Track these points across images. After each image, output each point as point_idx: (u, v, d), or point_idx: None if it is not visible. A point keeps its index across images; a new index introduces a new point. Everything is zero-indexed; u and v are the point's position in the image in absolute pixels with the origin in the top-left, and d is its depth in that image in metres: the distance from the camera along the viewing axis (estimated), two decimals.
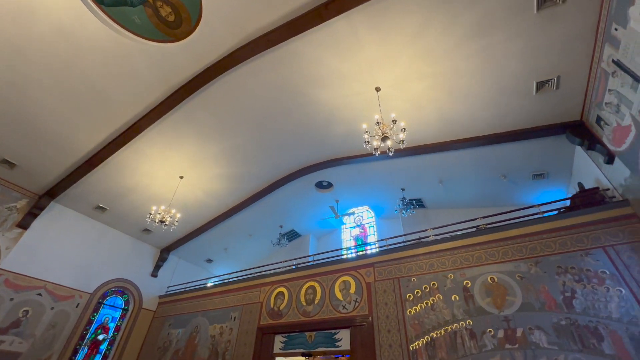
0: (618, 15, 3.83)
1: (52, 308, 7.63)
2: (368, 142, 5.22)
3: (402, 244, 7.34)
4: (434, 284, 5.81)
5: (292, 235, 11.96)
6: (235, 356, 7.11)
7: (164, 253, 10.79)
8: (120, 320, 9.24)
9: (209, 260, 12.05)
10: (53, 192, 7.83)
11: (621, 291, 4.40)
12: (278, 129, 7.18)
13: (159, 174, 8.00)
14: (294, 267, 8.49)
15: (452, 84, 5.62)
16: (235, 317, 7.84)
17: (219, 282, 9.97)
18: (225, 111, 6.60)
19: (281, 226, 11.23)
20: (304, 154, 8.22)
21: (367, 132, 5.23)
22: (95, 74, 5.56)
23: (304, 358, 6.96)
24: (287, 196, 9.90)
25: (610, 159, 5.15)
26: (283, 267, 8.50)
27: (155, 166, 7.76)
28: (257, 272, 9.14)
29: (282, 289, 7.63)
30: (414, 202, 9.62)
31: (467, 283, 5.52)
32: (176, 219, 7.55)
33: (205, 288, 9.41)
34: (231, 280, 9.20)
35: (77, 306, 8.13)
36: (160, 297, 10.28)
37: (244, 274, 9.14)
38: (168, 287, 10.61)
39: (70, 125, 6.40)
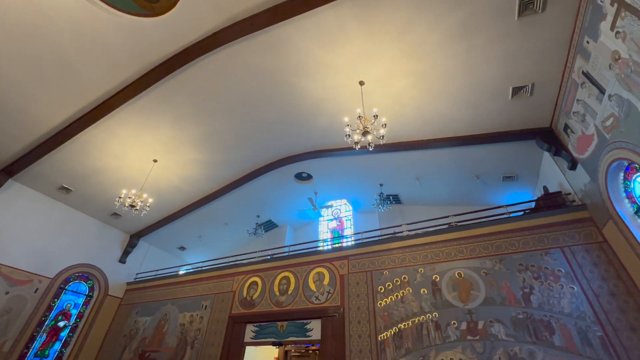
0: (590, 28, 4.02)
1: (7, 293, 7.17)
2: (349, 135, 5.23)
3: (377, 238, 7.49)
4: (404, 278, 5.99)
5: (269, 226, 11.89)
6: (205, 345, 7.04)
7: (134, 239, 10.39)
8: (84, 306, 8.86)
9: (182, 248, 11.76)
10: (11, 170, 7.28)
11: (573, 288, 4.74)
12: (259, 117, 7.03)
13: (131, 156, 7.63)
14: (269, 257, 8.45)
15: (434, 84, 5.72)
16: (206, 306, 7.73)
17: (191, 270, 9.76)
18: (204, 94, 6.36)
19: (258, 216, 11.11)
20: (284, 144, 8.11)
21: (348, 125, 5.23)
22: (63, 45, 5.15)
23: (275, 347, 7.02)
24: (265, 186, 9.78)
25: (573, 165, 5.48)
26: (258, 257, 8.44)
27: (127, 148, 7.38)
28: (231, 261, 9.04)
29: (256, 278, 7.60)
30: (391, 197, 9.81)
31: (436, 277, 5.73)
32: (148, 204, 7.26)
33: (177, 276, 9.20)
34: (204, 268, 9.03)
35: (35, 291, 7.69)
36: (128, 284, 9.93)
37: (217, 263, 9.00)
38: (137, 274, 10.26)
39: (34, 98, 5.93)
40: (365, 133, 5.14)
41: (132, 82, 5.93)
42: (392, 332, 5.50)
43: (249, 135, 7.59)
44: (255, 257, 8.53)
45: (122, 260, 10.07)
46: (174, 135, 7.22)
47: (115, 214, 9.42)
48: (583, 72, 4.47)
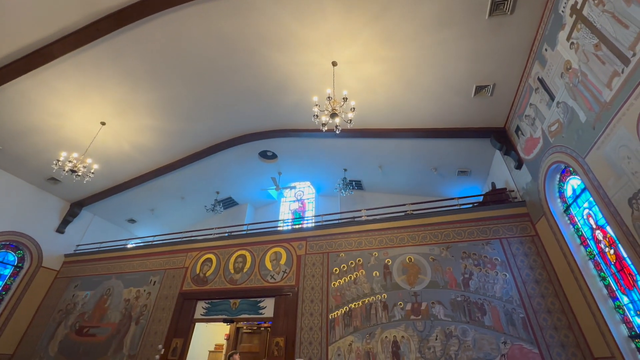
0: (550, 36, 4.26)
1: None
2: (317, 116, 5.12)
3: (336, 221, 7.63)
4: (359, 260, 6.20)
5: (229, 203, 11.54)
6: (151, 321, 6.77)
7: (75, 207, 9.49)
8: (12, 278, 8.00)
9: (132, 221, 11.01)
10: None
11: (506, 275, 5.25)
12: (224, 88, 6.60)
13: (74, 116, 6.81)
14: (226, 234, 8.24)
15: (404, 73, 5.76)
16: (155, 282, 7.39)
17: (141, 244, 9.22)
18: (163, 56, 5.79)
19: (218, 192, 10.70)
20: (250, 120, 7.77)
21: (317, 105, 5.11)
22: None
23: (226, 324, 6.97)
24: (227, 162, 9.39)
25: (519, 165, 5.94)
26: (214, 234, 8.19)
27: (70, 106, 6.56)
28: (185, 237, 8.67)
29: (211, 255, 7.39)
30: (354, 183, 9.98)
31: (388, 261, 6.01)
32: (92, 170, 6.59)
33: (125, 249, 8.64)
34: (155, 243, 8.57)
35: None
36: (66, 255, 9.13)
37: (170, 238, 8.58)
38: (77, 245, 9.45)
39: None
40: (333, 115, 5.06)
41: (77, 29, 5.19)
42: (343, 311, 5.72)
43: (212, 106, 7.13)
44: (211, 234, 8.26)
45: (60, 230, 9.18)
46: (125, 97, 6.54)
47: (53, 179, 8.47)
48: (538, 78, 4.77)
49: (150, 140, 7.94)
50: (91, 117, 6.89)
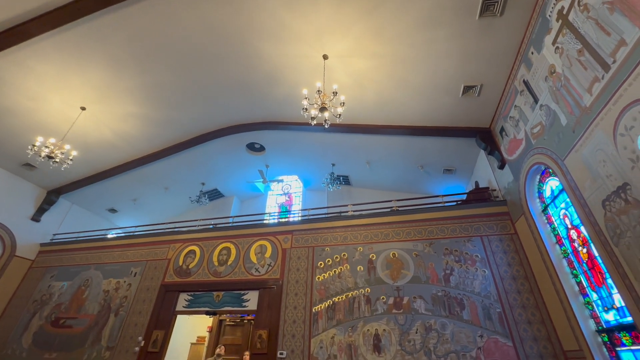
0: (537, 40, 4.36)
1: None
2: (306, 109, 5.08)
3: (323, 216, 7.65)
4: (344, 255, 6.25)
5: (215, 195, 11.36)
6: (131, 312, 6.64)
7: (52, 195, 9.13)
8: None
9: (113, 210, 10.70)
10: None
11: (485, 272, 5.42)
12: (212, 77, 6.44)
13: (52, 100, 6.51)
14: (211, 226, 8.13)
15: (395, 70, 5.77)
16: (136, 273, 7.23)
17: (122, 235, 8.98)
18: (149, 41, 5.58)
19: (203, 183, 10.51)
20: (238, 111, 7.63)
21: (306, 98, 5.07)
22: None
23: (208, 316, 6.92)
24: (214, 153, 9.21)
25: (502, 165, 6.10)
26: (199, 226, 8.07)
27: (48, 89, 6.26)
28: (169, 228, 8.51)
29: (195, 247, 7.28)
30: (342, 178, 10.02)
31: (372, 256, 6.09)
32: (70, 157, 6.34)
33: (105, 239, 8.39)
34: (137, 233, 8.37)
35: None
36: (42, 245, 8.80)
37: (153, 229, 8.40)
38: (54, 234, 9.12)
39: None
40: (322, 109, 5.04)
41: (56, 7, 4.93)
42: (327, 305, 5.77)
43: (199, 95, 6.95)
44: (196, 226, 8.14)
45: (36, 218, 8.82)
46: (108, 81, 6.29)
47: (29, 165, 8.10)
48: (524, 81, 4.88)
49: (134, 128, 7.69)
50: (70, 101, 6.60)
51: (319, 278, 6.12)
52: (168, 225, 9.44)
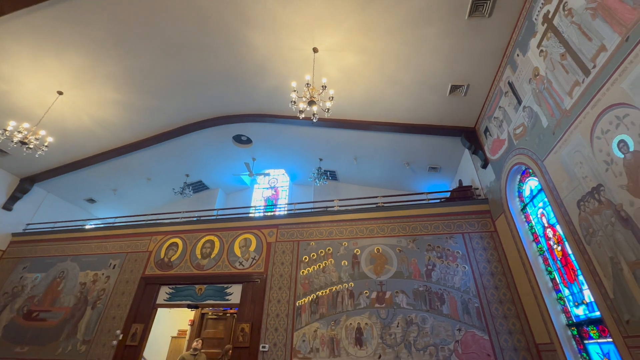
0: (523, 42, 4.45)
1: None
2: (294, 102, 5.02)
3: (309, 210, 7.64)
4: (329, 250, 6.28)
5: (199, 187, 11.15)
6: (109, 305, 6.46)
7: (26, 183, 8.71)
8: None
9: (91, 200, 10.32)
10: None
11: (465, 268, 5.57)
12: (198, 65, 6.26)
13: (26, 82, 6.17)
14: (195, 219, 7.98)
15: (384, 67, 5.78)
16: (115, 265, 7.03)
17: (101, 226, 8.70)
18: (133, 24, 5.35)
19: (187, 175, 10.28)
20: (225, 102, 7.47)
21: (295, 91, 5.01)
22: None
23: (190, 310, 6.83)
24: (199, 144, 9.01)
25: (485, 164, 6.25)
26: (182, 218, 7.90)
27: (21, 70, 5.93)
28: (151, 220, 8.30)
29: (177, 240, 7.14)
30: (329, 173, 10.01)
31: (357, 251, 6.14)
32: (45, 143, 6.05)
33: (82, 230, 8.10)
34: (117, 224, 8.12)
35: None
36: (14, 235, 8.40)
37: (134, 220, 8.16)
38: (27, 224, 8.73)
39: None
40: (311, 102, 4.99)
41: None
42: (310, 299, 5.80)
43: (184, 84, 6.75)
44: (179, 218, 7.97)
45: (8, 207, 8.41)
46: (88, 65, 6.01)
47: (0, 151, 7.68)
48: (509, 82, 4.99)
49: (115, 115, 7.40)
50: (47, 85, 6.28)
51: (303, 272, 6.13)
52: (150, 217, 9.20)
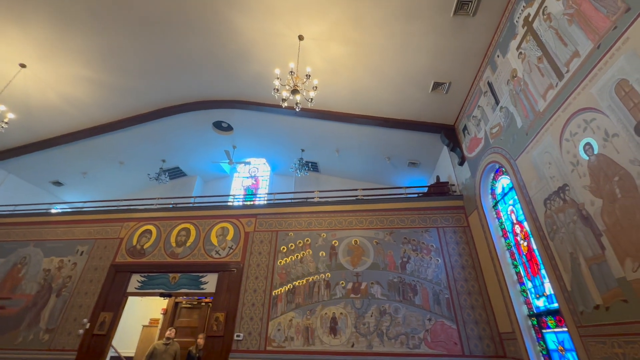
0: (503, 44, 4.56)
1: None
2: (277, 90, 4.92)
3: (289, 201, 7.60)
4: (307, 240, 6.29)
5: (176, 173, 10.79)
6: (76, 293, 6.19)
7: None
8: None
9: (58, 183, 9.75)
10: None
11: (438, 260, 5.77)
12: (178, 46, 5.97)
13: None
14: (170, 206, 7.74)
15: (370, 59, 5.76)
16: (82, 252, 6.71)
17: (68, 210, 8.26)
18: None
19: (164, 160, 9.91)
20: (206, 85, 7.21)
21: (278, 78, 4.90)
22: None
23: (163, 298, 6.67)
24: (177, 128, 8.68)
25: (462, 161, 6.44)
26: (157, 205, 7.64)
27: None
28: (123, 206, 7.96)
29: (151, 227, 6.90)
30: (310, 164, 9.98)
31: (335, 243, 6.20)
32: (5, 120, 5.61)
33: (47, 214, 7.65)
34: (86, 209, 7.73)
35: None
36: None
37: (105, 205, 7.79)
38: None
39: None
40: (294, 91, 4.91)
41: None
42: (287, 289, 5.81)
43: (163, 64, 6.44)
44: (153, 204, 7.70)
45: None
46: (55, 37, 5.58)
47: None
48: (488, 82, 5.12)
49: (85, 93, 6.97)
50: (7, 56, 5.79)
51: (280, 262, 6.13)
52: (122, 203, 8.83)
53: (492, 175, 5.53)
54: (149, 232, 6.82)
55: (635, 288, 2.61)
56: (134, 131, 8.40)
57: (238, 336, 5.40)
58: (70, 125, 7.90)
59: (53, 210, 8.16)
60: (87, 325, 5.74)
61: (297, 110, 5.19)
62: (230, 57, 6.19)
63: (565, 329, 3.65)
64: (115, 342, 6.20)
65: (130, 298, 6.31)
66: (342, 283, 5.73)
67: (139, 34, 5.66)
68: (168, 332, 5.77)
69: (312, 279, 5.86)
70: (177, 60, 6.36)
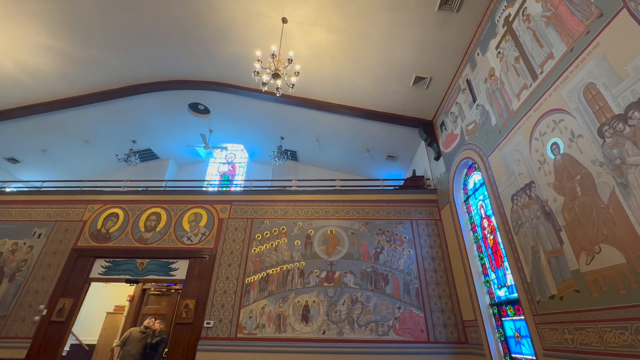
0: (484, 42, 4.65)
1: None
2: (258, 72, 4.75)
3: (266, 188, 7.49)
4: (283, 229, 6.24)
5: (147, 155, 10.27)
6: (32, 278, 5.79)
7: None
8: None
9: (13, 160, 8.98)
10: None
11: (410, 251, 5.93)
12: (153, 18, 5.58)
13: None
14: (140, 189, 7.37)
15: (355, 49, 5.69)
16: (40, 234, 6.26)
17: (24, 189, 7.66)
18: None
19: (134, 141, 9.39)
20: (182, 64, 6.83)
21: (259, 61, 4.73)
22: None
23: (129, 285, 6.41)
24: (149, 108, 8.21)
25: (438, 156, 6.60)
26: (125, 187, 7.24)
27: None
28: (87, 187, 7.49)
29: (118, 210, 6.55)
30: (289, 153, 9.86)
31: (311, 232, 6.20)
32: None
33: (0, 193, 7.03)
34: (44, 189, 7.20)
35: None
36: None
37: (66, 186, 7.28)
38: None
39: None
40: (275, 75, 4.76)
41: None
42: (260, 277, 5.76)
43: (135, 37, 6.01)
44: (121, 187, 7.30)
45: None
46: None
47: None
48: (467, 80, 5.23)
49: (46, 63, 6.38)
50: None
51: (255, 250, 6.05)
52: (86, 184, 8.30)
53: (465, 171, 5.72)
54: (116, 215, 6.48)
55: (587, 280, 2.80)
56: (101, 108, 7.85)
57: (208, 323, 5.31)
58: (28, 97, 7.24)
59: (7, 189, 7.53)
60: (44, 312, 5.41)
61: (278, 95, 5.05)
62: (209, 35, 5.88)
63: (523, 317, 3.89)
64: (76, 329, 5.92)
65: (93, 284, 6.02)
66: (316, 272, 5.76)
67: (109, 1, 5.21)
68: (147, 321, 5.67)
69: (287, 267, 5.85)
70: (152, 35, 5.95)
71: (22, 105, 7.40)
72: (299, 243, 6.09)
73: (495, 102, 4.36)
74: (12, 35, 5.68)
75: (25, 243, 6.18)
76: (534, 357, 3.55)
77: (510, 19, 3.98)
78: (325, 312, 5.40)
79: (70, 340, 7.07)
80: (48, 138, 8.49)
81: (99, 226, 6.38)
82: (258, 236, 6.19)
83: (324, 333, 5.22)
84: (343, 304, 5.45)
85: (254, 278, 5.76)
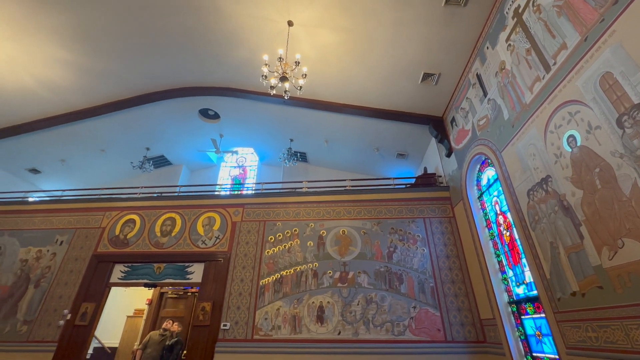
0: (493, 35, 4.56)
1: None
2: (266, 76, 4.79)
3: (277, 191, 7.54)
4: (295, 230, 6.28)
5: (161, 162, 10.50)
6: (55, 284, 6.00)
7: None
8: None
9: (35, 171, 9.34)
10: None
11: (424, 250, 5.87)
12: (163, 28, 5.71)
13: None
14: (155, 195, 7.55)
15: (361, 49, 5.67)
16: (62, 241, 6.49)
17: (46, 199, 7.95)
18: None
19: (148, 149, 9.61)
20: (191, 71, 6.96)
21: (267, 65, 4.77)
22: None
23: (147, 289, 6.57)
24: (162, 115, 8.40)
25: (449, 153, 6.50)
26: (140, 194, 7.43)
27: None
28: (105, 194, 7.71)
29: (134, 216, 6.72)
30: (299, 154, 9.90)
31: (323, 233, 6.21)
32: None
33: (24, 203, 7.33)
34: (65, 198, 7.45)
35: None
36: None
37: (85, 194, 7.53)
38: None
39: None
40: (283, 78, 4.80)
41: None
42: (274, 278, 5.81)
43: (146, 47, 6.16)
44: (137, 193, 7.48)
45: None
46: (28, 13, 5.23)
47: None
48: (477, 74, 5.14)
49: (62, 76, 6.62)
50: None
51: (268, 252, 6.10)
52: (104, 191, 8.55)
53: (478, 166, 5.62)
54: (133, 221, 6.65)
55: (611, 275, 2.71)
56: (115, 118, 8.07)
57: (225, 325, 5.39)
58: (47, 110, 7.52)
59: (30, 199, 7.84)
60: (68, 316, 5.60)
61: (286, 98, 5.09)
62: (217, 41, 5.98)
63: (543, 315, 3.79)
64: (98, 332, 6.10)
65: (113, 289, 6.18)
66: (330, 272, 5.77)
67: (120, 13, 5.37)
68: (165, 323, 5.78)
69: (300, 268, 5.87)
70: (162, 44, 6.09)
71: (41, 117, 7.69)
72: (312, 244, 6.11)
73: (507, 96, 4.27)
74: (30, 51, 5.91)
75: (48, 250, 6.41)
76: (557, 356, 3.45)
77: (520, 11, 3.89)
78: (340, 312, 5.39)
79: (94, 344, 7.29)
80: (66, 148, 8.79)
81: (117, 232, 6.56)
82: (271, 238, 6.24)
83: (339, 334, 5.22)
84: (358, 304, 5.43)
85: (268, 280, 5.81)
